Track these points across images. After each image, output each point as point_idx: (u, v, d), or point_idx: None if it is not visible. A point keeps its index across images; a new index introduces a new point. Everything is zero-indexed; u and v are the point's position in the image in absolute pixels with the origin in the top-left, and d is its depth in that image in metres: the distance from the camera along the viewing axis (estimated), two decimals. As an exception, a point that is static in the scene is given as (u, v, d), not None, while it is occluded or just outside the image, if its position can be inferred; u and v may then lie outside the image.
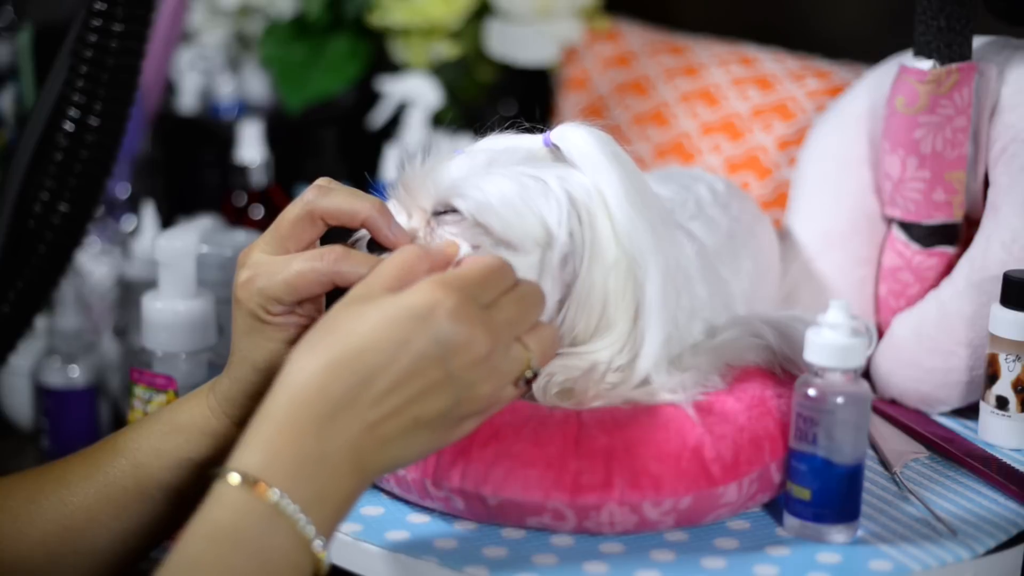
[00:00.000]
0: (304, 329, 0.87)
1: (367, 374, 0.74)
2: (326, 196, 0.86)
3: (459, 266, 0.80)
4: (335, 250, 0.85)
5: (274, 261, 0.85)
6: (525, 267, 0.87)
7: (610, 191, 0.88)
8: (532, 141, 0.91)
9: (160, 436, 0.89)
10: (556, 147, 0.90)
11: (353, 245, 0.89)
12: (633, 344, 0.88)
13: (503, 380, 0.79)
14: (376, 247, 0.88)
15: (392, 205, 0.91)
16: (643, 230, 0.87)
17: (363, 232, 0.89)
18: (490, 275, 0.79)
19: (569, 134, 0.90)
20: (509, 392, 0.80)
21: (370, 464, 0.75)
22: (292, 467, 0.73)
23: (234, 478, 0.72)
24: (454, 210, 0.89)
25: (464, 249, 0.84)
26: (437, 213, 0.90)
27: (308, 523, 0.72)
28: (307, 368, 0.74)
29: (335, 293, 0.90)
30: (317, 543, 0.73)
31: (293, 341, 0.86)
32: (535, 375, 0.80)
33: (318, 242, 0.87)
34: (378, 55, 1.60)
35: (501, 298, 0.79)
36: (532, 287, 0.81)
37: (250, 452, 0.73)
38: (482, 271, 0.79)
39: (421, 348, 0.75)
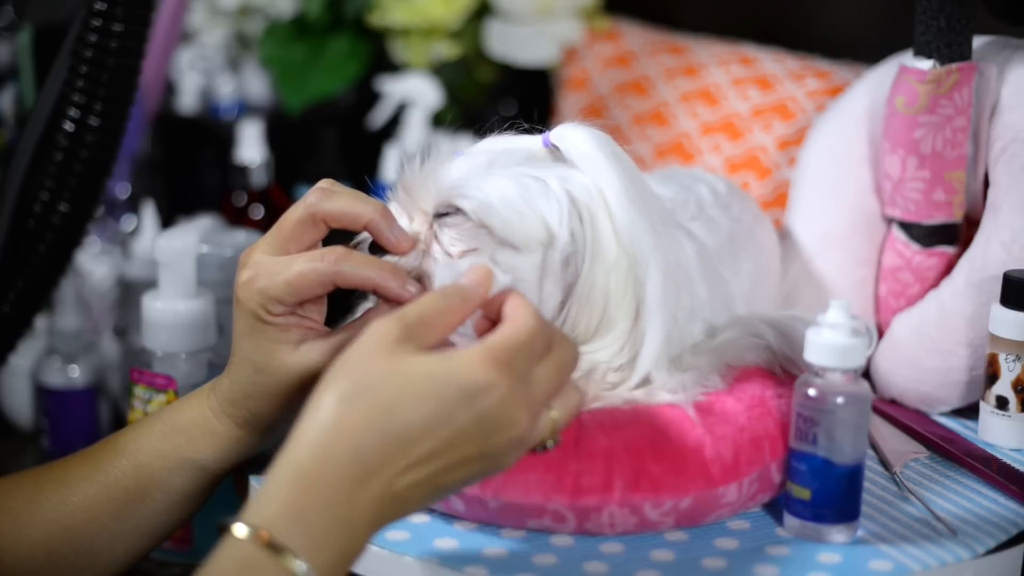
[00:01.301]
0: (305, 331, 0.87)
1: (404, 443, 0.72)
2: (329, 199, 0.86)
3: (502, 328, 0.76)
4: (336, 251, 0.84)
5: (275, 262, 0.85)
6: (527, 267, 0.87)
7: (610, 191, 0.88)
8: (531, 142, 0.91)
9: (161, 436, 0.89)
10: (555, 147, 0.90)
11: (355, 248, 0.89)
12: (633, 343, 0.88)
13: (527, 448, 0.78)
14: (378, 250, 0.88)
15: (393, 208, 0.90)
16: (643, 229, 0.87)
17: (365, 235, 0.89)
18: (533, 339, 0.76)
19: (568, 134, 0.90)
20: (523, 453, 0.78)
21: (386, 522, 0.74)
22: (317, 530, 0.71)
23: (246, 531, 0.70)
24: (455, 211, 0.89)
25: (500, 282, 0.80)
26: (439, 215, 0.90)
27: None
28: (340, 423, 0.72)
29: (336, 294, 0.90)
30: None
31: (294, 342, 0.86)
32: (556, 444, 0.79)
33: (320, 244, 0.87)
34: (378, 55, 1.60)
35: (539, 366, 0.76)
36: (570, 353, 0.79)
37: (272, 505, 0.71)
38: (527, 337, 0.76)
39: (463, 426, 0.73)
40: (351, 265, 0.84)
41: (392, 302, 0.85)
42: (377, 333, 0.74)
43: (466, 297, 0.78)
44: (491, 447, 0.74)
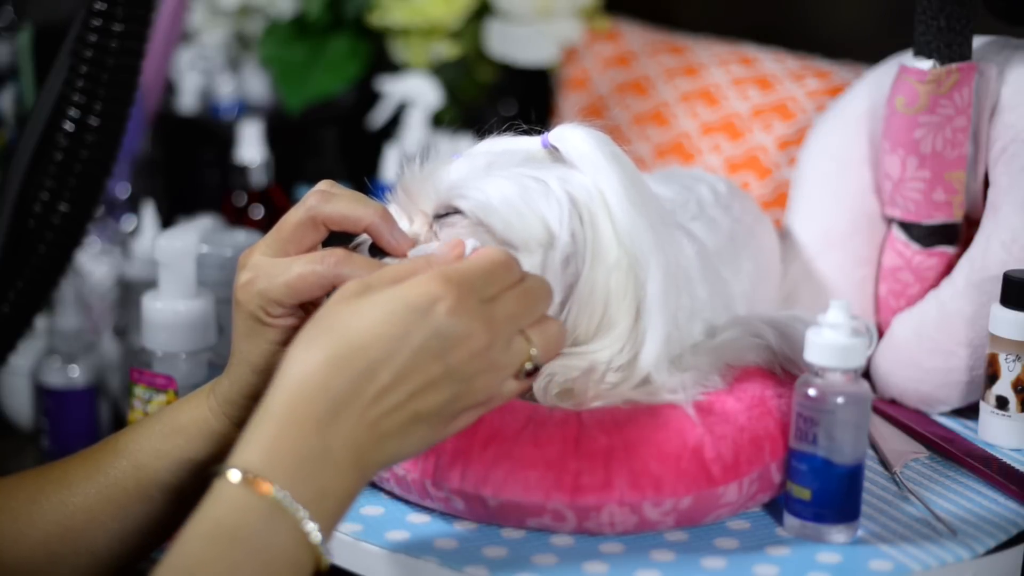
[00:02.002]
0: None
1: (368, 370, 0.74)
2: (329, 201, 0.86)
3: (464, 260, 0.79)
4: (336, 253, 0.84)
5: (275, 263, 0.85)
6: (528, 268, 0.87)
7: (610, 191, 0.88)
8: (530, 143, 0.91)
9: (160, 437, 0.89)
10: (555, 148, 0.90)
11: (355, 250, 0.89)
12: (634, 344, 0.88)
13: (502, 373, 0.78)
14: (378, 252, 0.88)
15: (393, 209, 0.90)
16: (644, 230, 0.87)
17: (365, 237, 0.89)
18: (493, 269, 0.78)
19: (567, 135, 0.90)
20: (510, 386, 0.79)
21: (370, 459, 0.75)
22: (293, 464, 0.72)
23: (234, 475, 0.72)
24: (455, 212, 0.89)
25: (470, 245, 0.83)
26: (439, 216, 0.89)
27: (309, 519, 0.72)
28: (307, 364, 0.74)
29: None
30: (318, 539, 0.72)
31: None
32: (536, 368, 0.79)
33: (320, 246, 0.87)
34: (378, 55, 1.60)
35: (504, 292, 0.78)
36: (538, 281, 0.81)
37: (251, 449, 0.73)
38: (485, 265, 0.78)
39: (420, 342, 0.74)
40: (350, 267, 0.84)
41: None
42: (339, 290, 0.77)
43: (431, 260, 0.80)
44: (454, 363, 0.75)
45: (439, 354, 0.75)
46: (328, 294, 0.87)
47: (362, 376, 0.74)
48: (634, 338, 0.88)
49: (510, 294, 0.78)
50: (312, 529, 0.72)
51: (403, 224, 0.90)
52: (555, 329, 0.81)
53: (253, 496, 0.72)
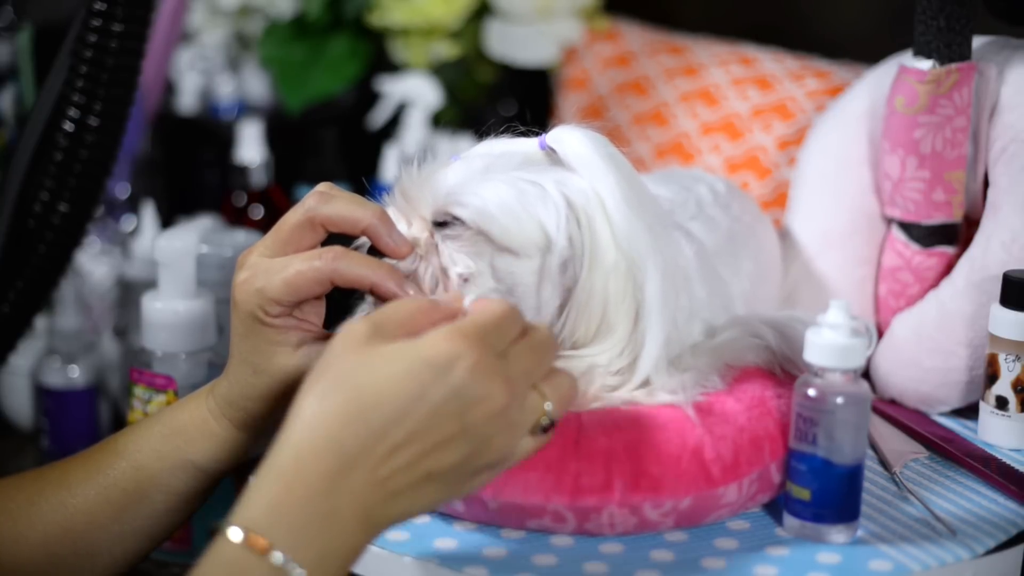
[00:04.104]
0: (303, 333, 0.87)
1: (382, 427, 0.72)
2: (327, 203, 0.86)
3: (470, 314, 0.77)
4: (334, 249, 0.84)
5: (273, 262, 0.85)
6: (526, 272, 0.87)
7: (607, 194, 0.88)
8: (528, 145, 0.91)
9: (160, 438, 0.89)
10: (552, 150, 0.90)
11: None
12: (633, 347, 0.88)
13: (519, 431, 0.76)
14: (376, 254, 0.88)
15: (391, 212, 0.90)
16: (641, 232, 0.87)
17: (363, 240, 0.89)
18: (502, 321, 0.76)
19: (564, 137, 0.90)
20: (527, 445, 0.78)
21: (378, 518, 0.73)
22: (297, 524, 0.71)
23: (235, 534, 0.71)
24: (453, 218, 0.88)
25: (468, 298, 0.81)
26: (437, 223, 0.89)
27: None
28: (317, 418, 0.72)
29: (335, 296, 0.90)
30: None
31: (292, 344, 0.86)
32: (552, 424, 0.78)
33: (318, 247, 0.87)
34: (378, 55, 1.60)
35: (514, 346, 0.76)
36: (544, 333, 0.78)
37: (255, 507, 0.71)
38: (497, 317, 0.76)
39: (438, 402, 0.72)
40: (348, 264, 0.84)
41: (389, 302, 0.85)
42: (347, 333, 0.75)
43: (435, 303, 0.78)
44: (472, 423, 0.73)
45: (457, 414, 0.73)
46: (326, 296, 0.87)
47: (374, 434, 0.72)
48: (633, 341, 0.88)
49: (521, 348, 0.77)
50: None
51: (401, 227, 0.90)
52: (567, 382, 0.79)
53: (253, 557, 0.70)
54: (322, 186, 0.87)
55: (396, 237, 0.87)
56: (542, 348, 0.78)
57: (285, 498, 0.71)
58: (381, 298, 0.86)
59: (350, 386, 0.72)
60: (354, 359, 0.73)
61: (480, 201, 0.87)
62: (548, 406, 0.77)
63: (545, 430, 0.78)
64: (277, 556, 0.70)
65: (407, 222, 0.91)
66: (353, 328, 0.75)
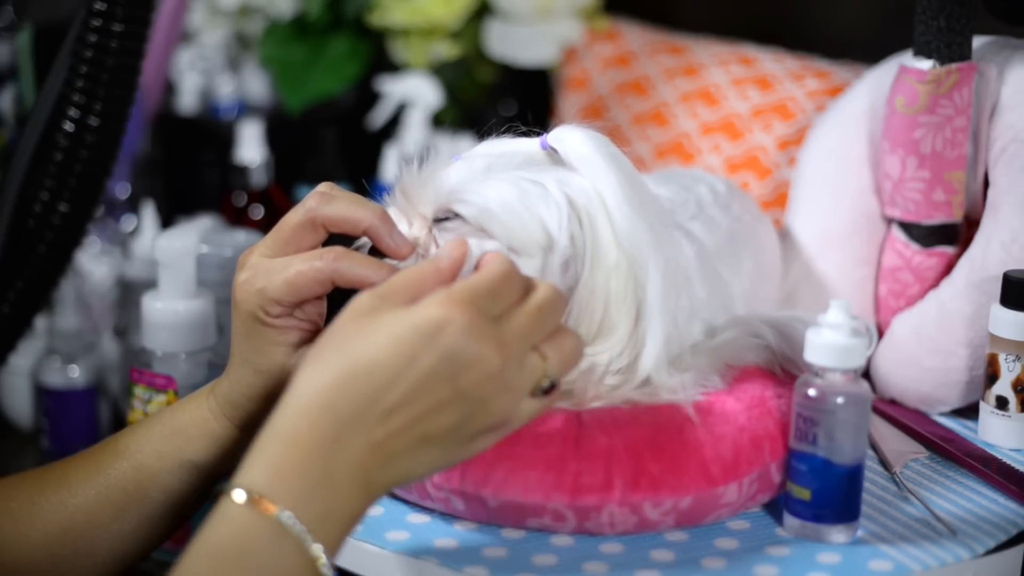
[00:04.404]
0: (304, 333, 0.87)
1: (374, 392, 0.73)
2: (328, 203, 0.86)
3: (470, 275, 0.78)
4: (335, 250, 0.84)
5: (273, 262, 0.85)
6: (527, 271, 0.87)
7: (609, 193, 0.88)
8: (529, 144, 0.91)
9: (160, 438, 0.89)
10: (553, 150, 0.90)
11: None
12: (634, 346, 0.88)
13: (518, 394, 0.77)
14: (377, 254, 0.88)
15: (392, 212, 0.90)
16: (642, 231, 0.87)
17: (364, 240, 0.89)
18: (500, 284, 0.77)
19: (566, 136, 0.90)
20: (529, 406, 0.78)
21: (377, 480, 0.74)
22: (298, 485, 0.72)
23: (239, 495, 0.71)
24: (454, 216, 0.89)
25: (473, 248, 0.82)
26: (438, 220, 0.89)
27: (314, 541, 0.71)
28: (314, 385, 0.73)
29: (335, 296, 0.90)
30: (323, 561, 0.72)
31: (293, 344, 0.86)
32: (553, 385, 0.78)
33: (319, 248, 0.87)
34: (378, 55, 1.60)
35: (514, 308, 0.77)
36: (548, 294, 0.78)
37: (256, 470, 0.73)
38: (491, 281, 0.76)
39: (430, 365, 0.73)
40: (349, 264, 0.84)
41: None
42: (353, 304, 0.76)
43: (439, 266, 0.79)
44: (465, 386, 0.74)
45: (449, 377, 0.74)
46: (327, 297, 0.87)
47: (368, 398, 0.73)
48: (634, 341, 0.88)
49: (521, 310, 0.77)
50: (316, 550, 0.71)
51: (402, 227, 0.90)
52: (571, 342, 0.79)
53: (257, 516, 0.71)
54: (323, 186, 0.87)
55: (397, 237, 0.87)
56: (543, 308, 0.78)
57: (284, 461, 0.72)
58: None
59: (344, 352, 0.74)
60: (352, 328, 0.75)
61: (482, 200, 0.87)
62: (549, 367, 0.77)
63: (546, 392, 0.78)
64: (284, 515, 0.71)
65: (408, 222, 0.91)
66: (359, 299, 0.76)
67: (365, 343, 0.74)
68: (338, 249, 0.85)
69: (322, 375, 0.73)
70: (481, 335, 0.74)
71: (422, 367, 0.73)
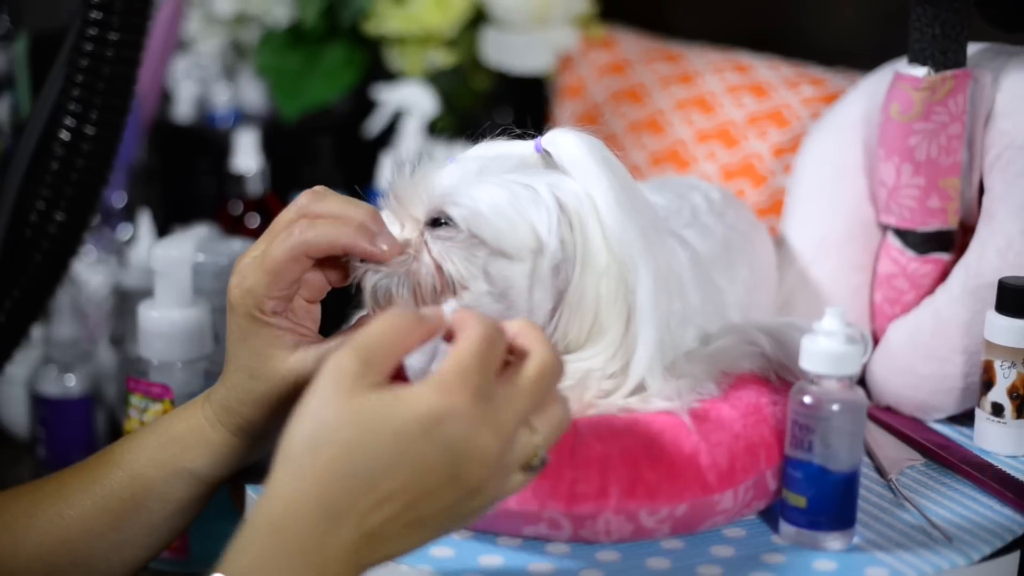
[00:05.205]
0: (299, 336, 0.87)
1: (369, 484, 0.70)
2: (320, 201, 0.86)
3: (453, 346, 0.74)
4: (300, 223, 0.85)
5: (255, 258, 0.86)
6: (518, 275, 0.88)
7: (600, 196, 0.88)
8: (524, 147, 0.91)
9: (156, 447, 0.89)
10: (547, 153, 0.90)
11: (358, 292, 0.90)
12: (626, 350, 0.88)
13: (510, 472, 0.75)
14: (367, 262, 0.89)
15: (385, 215, 0.90)
16: (634, 235, 0.87)
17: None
18: (486, 352, 0.73)
19: (560, 140, 0.90)
20: (515, 480, 0.75)
21: (366, 561, 0.72)
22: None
23: None
24: (446, 219, 0.89)
25: (448, 310, 0.77)
26: (430, 223, 0.90)
27: None
28: (307, 473, 0.70)
29: (330, 302, 0.90)
30: None
31: (289, 347, 0.87)
32: (543, 463, 0.75)
33: (312, 261, 0.87)
34: (374, 63, 1.60)
35: (509, 379, 0.74)
36: (544, 364, 0.75)
37: (244, 558, 0.70)
38: (478, 353, 0.73)
39: (431, 459, 0.71)
40: (316, 233, 0.84)
41: (368, 262, 0.87)
42: (335, 369, 0.72)
43: (420, 318, 0.75)
44: (464, 476, 0.72)
45: (447, 467, 0.71)
46: (321, 302, 0.87)
47: (363, 488, 0.70)
48: (626, 344, 0.88)
49: (516, 384, 0.74)
50: None
51: (395, 230, 0.90)
52: (559, 412, 0.76)
53: None
54: (315, 188, 0.88)
55: (388, 239, 0.87)
56: (539, 384, 0.75)
57: (276, 551, 0.70)
58: (360, 259, 0.87)
59: (340, 441, 0.71)
60: (344, 411, 0.71)
61: (472, 203, 0.87)
62: (539, 442, 0.75)
63: (535, 468, 0.76)
64: None
65: (400, 224, 0.91)
66: (341, 365, 0.72)
67: (360, 433, 0.71)
68: (303, 222, 0.84)
69: (315, 463, 0.70)
70: (481, 423, 0.72)
71: (422, 460, 0.71)
